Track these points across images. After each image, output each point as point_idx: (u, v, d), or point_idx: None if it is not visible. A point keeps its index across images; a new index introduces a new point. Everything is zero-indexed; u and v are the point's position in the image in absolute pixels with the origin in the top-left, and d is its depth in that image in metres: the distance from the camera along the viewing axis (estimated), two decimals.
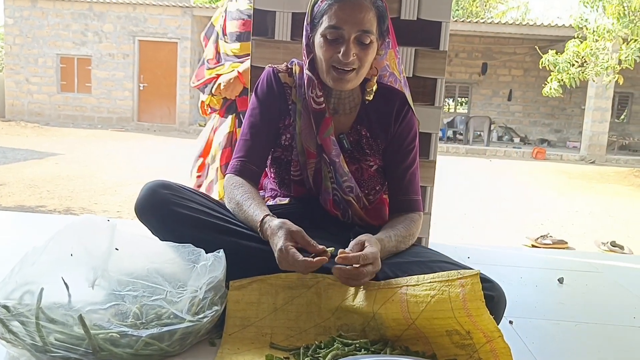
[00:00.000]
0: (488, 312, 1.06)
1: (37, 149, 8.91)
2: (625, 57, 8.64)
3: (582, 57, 9.24)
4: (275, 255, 1.20)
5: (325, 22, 1.31)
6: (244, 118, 2.41)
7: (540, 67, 9.59)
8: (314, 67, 1.40)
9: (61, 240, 1.13)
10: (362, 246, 1.22)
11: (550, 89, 9.47)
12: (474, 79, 16.38)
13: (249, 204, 1.32)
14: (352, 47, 1.30)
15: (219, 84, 2.41)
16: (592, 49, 9.02)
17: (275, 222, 1.24)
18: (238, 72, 2.36)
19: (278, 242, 1.20)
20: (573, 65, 9.19)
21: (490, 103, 16.47)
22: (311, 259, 1.17)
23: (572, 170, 10.99)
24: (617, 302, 1.81)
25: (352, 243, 1.23)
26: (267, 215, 1.28)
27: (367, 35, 1.31)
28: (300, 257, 1.17)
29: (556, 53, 9.29)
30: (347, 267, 1.17)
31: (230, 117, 2.49)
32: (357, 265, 1.17)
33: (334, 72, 1.34)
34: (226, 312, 1.23)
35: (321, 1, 1.34)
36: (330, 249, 1.21)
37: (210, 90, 2.47)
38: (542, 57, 9.30)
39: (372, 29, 1.32)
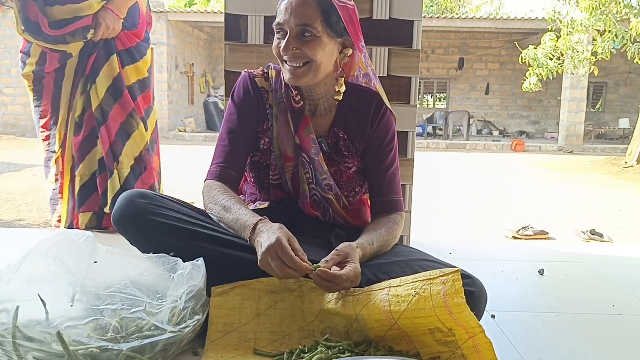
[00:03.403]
0: (469, 308, 1.07)
1: (14, 161, 8.75)
2: (602, 50, 8.75)
3: (560, 50, 9.36)
4: (266, 245, 1.16)
5: (275, 21, 1.37)
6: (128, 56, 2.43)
7: (521, 62, 9.68)
8: None
9: (36, 257, 1.11)
10: (344, 258, 1.21)
11: (530, 84, 9.57)
12: (451, 74, 16.52)
13: (239, 207, 1.32)
14: (292, 40, 1.33)
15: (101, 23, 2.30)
16: (569, 42, 9.12)
17: (274, 224, 1.24)
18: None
19: (275, 235, 1.17)
20: (551, 59, 9.31)
21: (468, 97, 16.62)
22: (299, 261, 1.16)
23: (550, 160, 11.14)
24: (596, 291, 1.84)
25: (333, 253, 1.22)
26: (264, 218, 1.27)
27: (307, 28, 1.32)
28: (293, 254, 1.16)
29: (535, 47, 9.39)
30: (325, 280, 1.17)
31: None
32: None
33: (287, 66, 1.36)
34: (209, 318, 1.23)
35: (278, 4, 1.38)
36: (315, 265, 1.19)
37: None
38: (521, 52, 9.41)
39: (313, 24, 1.32)
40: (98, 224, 2.45)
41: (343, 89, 1.44)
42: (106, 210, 2.41)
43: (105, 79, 2.37)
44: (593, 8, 8.58)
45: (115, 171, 2.40)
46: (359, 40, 1.44)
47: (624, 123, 15.20)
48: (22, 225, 4.40)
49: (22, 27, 2.30)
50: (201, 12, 14.63)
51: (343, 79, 1.45)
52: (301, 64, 1.34)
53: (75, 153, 2.42)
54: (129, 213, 1.30)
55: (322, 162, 1.42)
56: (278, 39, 1.37)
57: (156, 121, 2.62)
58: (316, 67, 1.36)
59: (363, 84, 1.53)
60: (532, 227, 4.43)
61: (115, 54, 2.38)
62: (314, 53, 1.34)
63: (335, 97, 1.44)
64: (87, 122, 2.40)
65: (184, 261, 1.24)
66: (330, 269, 1.19)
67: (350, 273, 1.17)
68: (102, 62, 2.37)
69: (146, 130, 2.49)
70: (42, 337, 1.02)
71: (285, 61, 1.36)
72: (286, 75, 1.38)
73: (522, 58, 9.42)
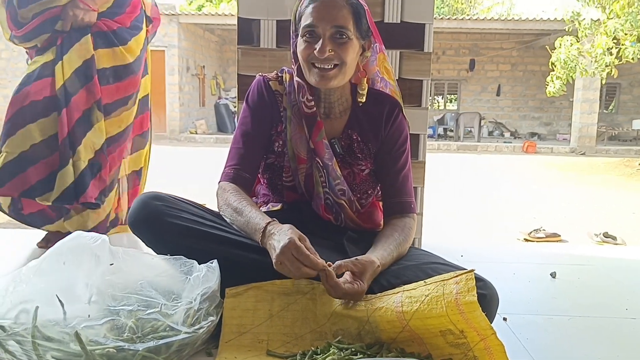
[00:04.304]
0: (480, 309, 1.07)
1: None
2: (632, 55, 8.61)
3: (582, 53, 9.26)
4: (280, 247, 1.17)
5: (302, 24, 1.35)
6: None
7: (550, 67, 9.57)
8: (302, 72, 1.42)
9: (54, 259, 1.14)
10: (359, 270, 1.22)
11: (555, 88, 9.48)
12: (462, 76, 16.46)
13: (250, 209, 1.33)
14: (327, 43, 1.33)
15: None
16: (600, 47, 8.97)
17: (283, 225, 1.25)
18: None
19: (287, 236, 1.18)
20: (576, 62, 9.22)
21: (479, 99, 16.56)
22: (315, 259, 1.17)
23: (563, 162, 11.06)
24: (609, 294, 1.83)
25: (352, 260, 1.23)
26: (274, 220, 1.29)
27: (342, 30, 1.33)
28: (308, 252, 1.17)
29: (570, 47, 9.25)
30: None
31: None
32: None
33: (315, 70, 1.36)
34: (222, 319, 1.24)
35: (300, 8, 1.38)
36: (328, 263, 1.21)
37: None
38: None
39: (347, 25, 1.34)
40: (15, 211, 2.17)
41: (365, 90, 1.45)
42: (44, 202, 2.09)
43: (76, 57, 2.13)
44: (625, 10, 8.44)
45: (70, 162, 2.10)
46: (382, 43, 1.47)
47: (637, 124, 15.04)
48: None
49: (8, 34, 2.20)
50: (212, 15, 14.72)
51: (365, 79, 1.46)
52: (332, 66, 1.35)
53: (5, 123, 2.07)
54: (144, 215, 1.31)
55: (336, 167, 1.44)
56: (307, 41, 1.36)
57: (134, 122, 2.35)
58: (346, 69, 1.37)
59: (380, 88, 1.54)
60: (544, 230, 4.41)
61: (89, 34, 2.15)
62: (346, 55, 1.35)
63: (358, 99, 1.45)
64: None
65: (198, 262, 1.26)
66: (343, 274, 1.20)
67: (351, 290, 1.19)
68: (74, 40, 2.13)
69: (105, 120, 2.20)
70: (60, 337, 1.04)
71: (314, 64, 1.36)
72: (313, 79, 1.38)
73: (552, 63, 9.30)
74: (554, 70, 9.45)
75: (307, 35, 1.35)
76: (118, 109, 2.24)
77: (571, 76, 9.19)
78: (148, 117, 2.44)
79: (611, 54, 9.18)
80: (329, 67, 1.35)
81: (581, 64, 9.32)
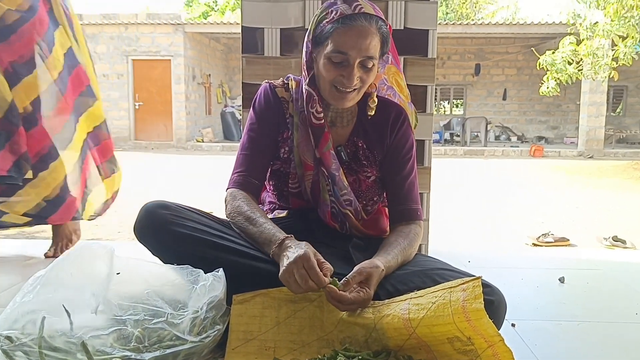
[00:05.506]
0: (487, 316, 1.06)
1: None
2: (624, 55, 8.60)
3: (580, 55, 9.24)
4: (294, 256, 1.18)
5: (330, 46, 1.32)
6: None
7: (538, 68, 9.59)
8: (314, 82, 1.41)
9: (61, 269, 1.14)
10: (365, 278, 1.22)
11: (548, 87, 9.48)
12: (468, 80, 16.45)
13: (265, 220, 1.33)
14: (356, 71, 1.33)
15: None
16: (590, 48, 8.98)
17: (301, 242, 1.25)
18: None
19: (303, 249, 1.20)
20: (570, 63, 9.19)
21: (485, 103, 16.53)
22: (322, 277, 1.17)
23: (570, 166, 11.00)
24: (618, 299, 1.81)
25: (355, 271, 1.22)
26: (291, 235, 1.29)
27: (371, 60, 1.33)
28: (319, 270, 1.17)
29: (553, 52, 9.28)
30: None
31: None
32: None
33: (335, 92, 1.36)
34: (229, 326, 1.24)
35: (327, 22, 1.34)
36: (333, 280, 1.21)
37: None
38: (538, 59, 9.32)
39: (376, 55, 1.34)
40: None
41: (375, 103, 1.46)
42: None
43: None
44: (619, 15, 8.44)
45: None
46: (397, 57, 1.47)
47: None
48: (45, 237, 4.47)
49: None
50: (217, 24, 14.81)
51: (375, 93, 1.47)
52: (352, 90, 1.36)
53: None
54: (150, 224, 1.32)
55: (343, 178, 1.43)
56: (334, 63, 1.33)
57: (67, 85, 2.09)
58: (363, 90, 1.39)
59: (387, 95, 1.55)
60: (552, 234, 4.37)
61: None
62: (369, 80, 1.37)
63: (368, 113, 1.46)
64: None
65: (204, 271, 1.26)
66: (350, 288, 1.20)
67: (358, 298, 1.19)
68: None
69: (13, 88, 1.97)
70: (67, 347, 1.04)
71: (336, 87, 1.36)
72: (332, 98, 1.38)
73: (539, 64, 9.32)
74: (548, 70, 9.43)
75: (334, 59, 1.33)
76: (27, 71, 2.01)
77: (567, 78, 9.15)
78: (82, 71, 2.20)
79: (606, 55, 9.15)
80: (351, 90, 1.36)
81: (574, 66, 9.29)
